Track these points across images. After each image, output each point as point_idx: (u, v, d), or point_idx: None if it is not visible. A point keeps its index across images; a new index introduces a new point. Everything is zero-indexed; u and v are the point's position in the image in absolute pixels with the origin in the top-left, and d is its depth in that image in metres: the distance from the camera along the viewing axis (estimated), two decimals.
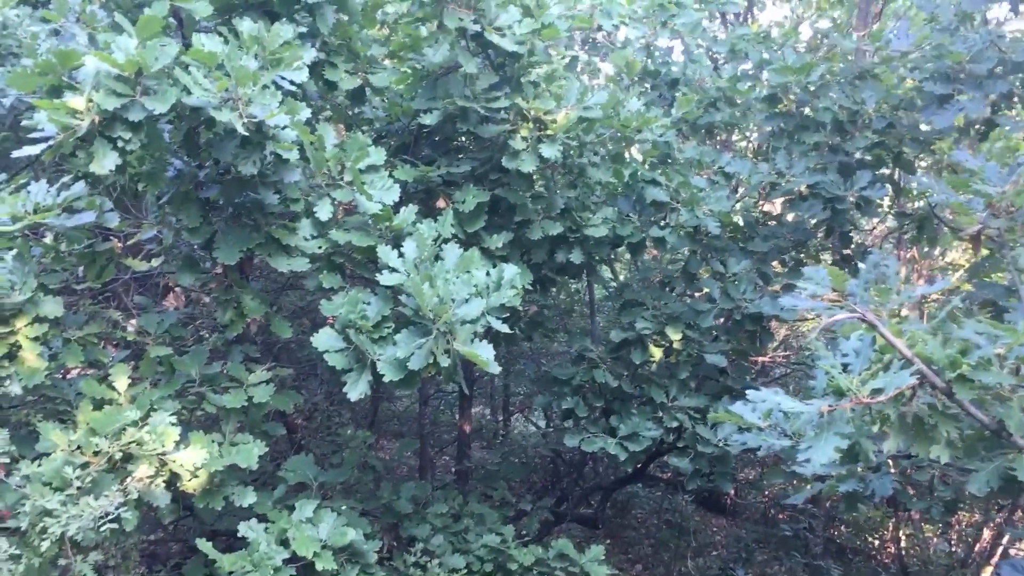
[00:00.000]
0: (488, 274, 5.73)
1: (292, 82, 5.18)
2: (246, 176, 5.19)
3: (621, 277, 11.98)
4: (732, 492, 13.94)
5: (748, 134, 11.56)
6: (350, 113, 7.24)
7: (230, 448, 5.92)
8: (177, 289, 9.13)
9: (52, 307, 5.40)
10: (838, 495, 4.60)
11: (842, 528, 13.84)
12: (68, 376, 6.57)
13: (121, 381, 5.73)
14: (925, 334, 3.13)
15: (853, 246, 8.50)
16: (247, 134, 4.77)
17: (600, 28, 7.85)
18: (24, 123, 6.36)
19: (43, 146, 4.71)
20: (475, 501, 8.45)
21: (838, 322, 3.27)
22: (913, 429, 3.11)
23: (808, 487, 4.87)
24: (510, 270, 5.80)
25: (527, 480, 12.01)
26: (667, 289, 8.59)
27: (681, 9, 7.97)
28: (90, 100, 4.66)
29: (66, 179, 5.69)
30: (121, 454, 5.12)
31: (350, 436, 7.97)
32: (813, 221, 8.20)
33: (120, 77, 4.67)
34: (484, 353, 5.32)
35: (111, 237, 5.87)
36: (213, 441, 5.79)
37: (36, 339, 5.30)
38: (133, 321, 6.67)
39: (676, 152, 8.08)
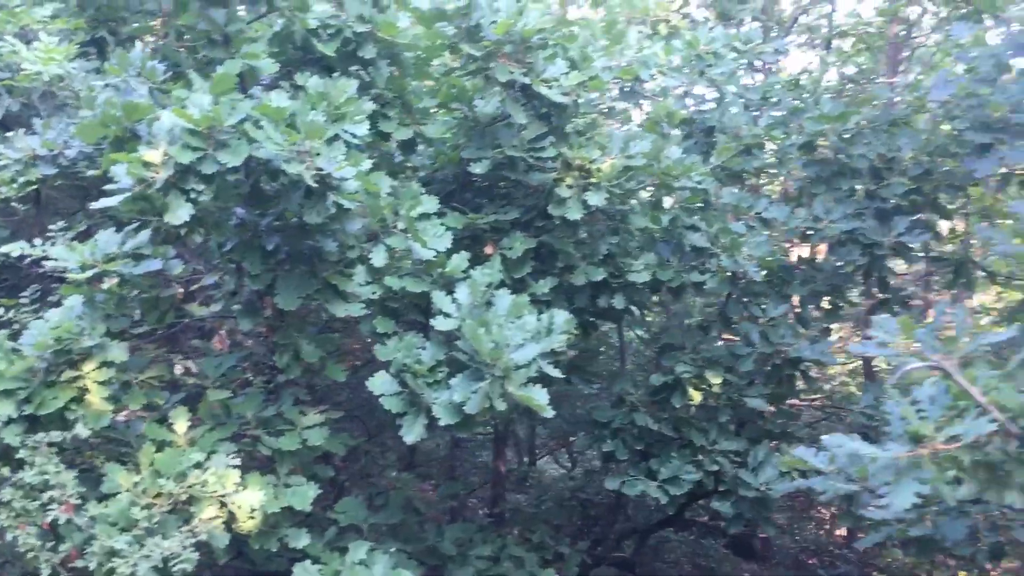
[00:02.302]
0: (539, 319, 5.85)
1: (353, 135, 5.37)
2: (310, 225, 5.36)
3: (649, 320, 12.08)
4: (762, 537, 13.86)
5: (781, 179, 11.70)
6: (396, 161, 7.43)
7: (284, 490, 6.03)
8: (222, 333, 9.33)
9: (118, 352, 5.57)
10: (907, 539, 4.63)
11: (875, 574, 13.71)
12: (120, 419, 6.71)
13: (181, 424, 5.87)
14: (997, 381, 3.23)
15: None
16: (315, 186, 4.94)
17: (638, 78, 8.04)
18: (90, 173, 6.62)
19: (120, 197, 4.89)
20: (512, 543, 8.48)
21: (909, 371, 3.38)
22: (987, 475, 3.19)
23: (876, 531, 4.88)
24: (560, 316, 5.92)
25: (559, 522, 11.98)
26: (705, 333, 8.67)
27: (718, 59, 8.17)
28: (166, 154, 4.84)
29: (130, 227, 5.88)
30: (186, 496, 5.24)
31: (395, 478, 8.04)
32: (851, 266, 8.30)
33: (195, 132, 4.86)
34: (539, 397, 5.43)
35: (173, 283, 6.04)
36: (268, 483, 5.91)
37: (103, 383, 5.46)
38: (183, 364, 6.80)
39: (713, 198, 8.22)
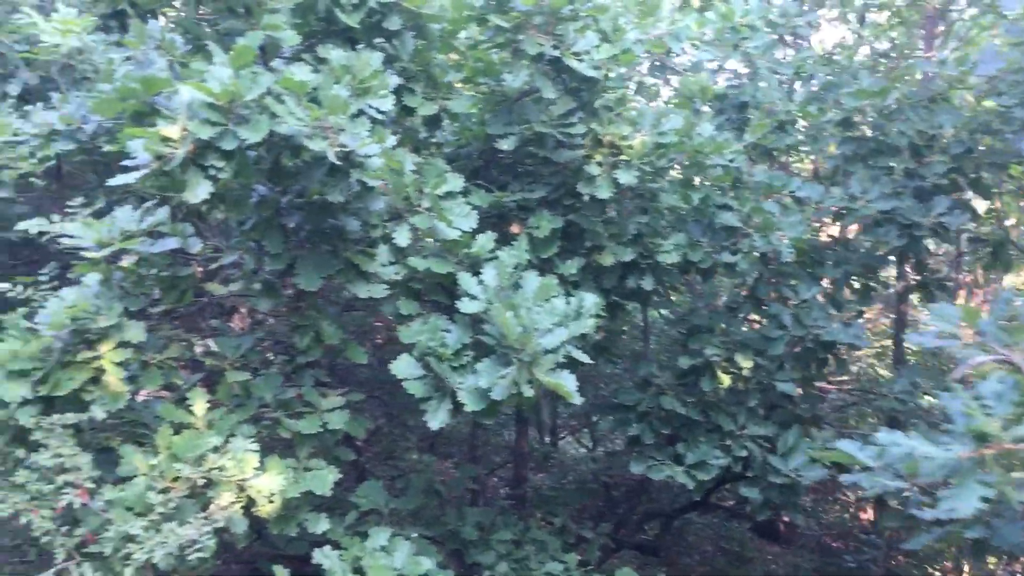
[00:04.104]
0: (568, 302, 5.67)
1: (378, 110, 5.18)
2: (332, 203, 5.18)
3: (674, 301, 11.85)
4: (786, 520, 13.70)
5: (813, 158, 11.41)
6: (420, 137, 7.23)
7: (304, 474, 5.90)
8: (242, 311, 9.21)
9: (135, 332, 5.43)
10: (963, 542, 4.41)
11: (900, 558, 13.53)
12: (138, 399, 6.60)
13: (199, 405, 5.73)
14: None
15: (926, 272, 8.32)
16: (338, 163, 4.76)
17: (669, 51, 7.78)
18: (106, 148, 6.46)
19: (138, 174, 4.73)
20: (534, 527, 8.36)
21: (975, 364, 3.17)
22: None
23: (927, 532, 4.64)
24: (589, 299, 5.74)
25: (581, 505, 11.87)
26: (734, 315, 8.45)
27: (754, 32, 7.88)
28: (184, 129, 4.67)
29: (149, 204, 5.73)
30: (204, 480, 5.12)
31: (416, 461, 7.92)
32: (886, 247, 8.04)
33: (214, 106, 4.68)
34: (568, 383, 5.26)
35: (191, 262, 5.90)
36: (288, 467, 5.78)
37: (120, 364, 5.33)
38: (202, 344, 6.67)
39: (746, 176, 7.97)
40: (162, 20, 8.28)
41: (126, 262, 5.80)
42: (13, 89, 7.72)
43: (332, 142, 4.76)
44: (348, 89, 5.03)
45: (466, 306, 5.58)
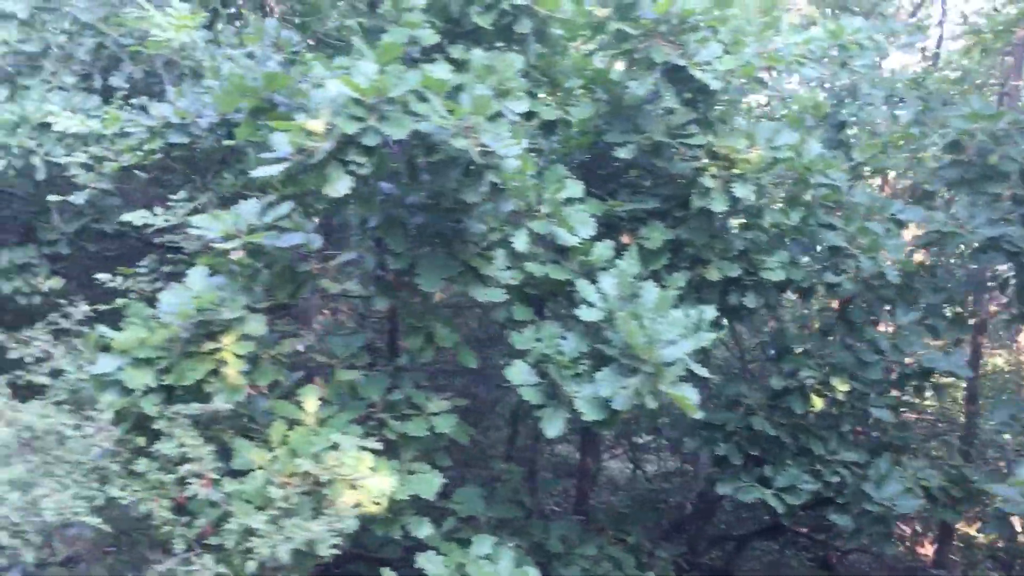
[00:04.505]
0: (688, 315, 5.58)
1: (513, 112, 5.14)
2: (459, 203, 5.14)
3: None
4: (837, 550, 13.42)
5: (892, 178, 11.24)
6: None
7: (409, 477, 5.84)
8: (325, 311, 9.21)
9: (256, 325, 5.42)
10: None
11: None
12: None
13: (310, 403, 5.71)
14: None
15: None
16: (481, 162, 4.72)
17: (775, 68, 7.69)
18: (224, 143, 6.49)
19: (281, 166, 4.72)
20: (606, 543, 8.25)
21: None
22: None
23: None
24: (709, 312, 5.66)
25: (646, 524, 11.71)
26: (827, 337, 8.28)
27: (862, 50, 7.75)
28: (329, 124, 4.65)
29: (270, 198, 5.72)
30: (327, 477, 5.07)
31: (503, 470, 7.84)
32: (988, 274, 7.87)
33: (358, 102, 4.66)
34: (691, 396, 5.16)
35: (309, 258, 5.87)
36: (394, 469, 5.72)
37: (240, 356, 5.31)
38: (304, 341, 6.64)
39: (846, 197, 7.83)
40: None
41: (236, 255, 5.80)
42: (117, 82, 7.78)
43: (474, 141, 4.72)
44: (491, 90, 4.99)
45: (585, 314, 5.52)
